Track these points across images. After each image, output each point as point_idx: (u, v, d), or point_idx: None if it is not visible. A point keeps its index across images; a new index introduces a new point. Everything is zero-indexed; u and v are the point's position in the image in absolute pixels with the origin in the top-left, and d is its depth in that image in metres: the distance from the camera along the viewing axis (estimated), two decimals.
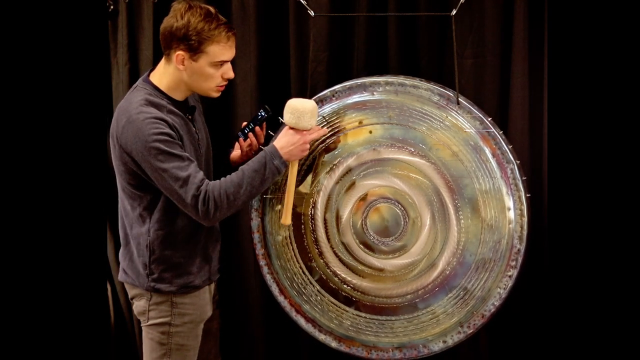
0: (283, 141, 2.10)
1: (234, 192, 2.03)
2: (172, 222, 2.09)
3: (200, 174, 2.03)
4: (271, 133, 2.32)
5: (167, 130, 2.01)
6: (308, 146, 2.13)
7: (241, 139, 2.28)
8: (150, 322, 2.16)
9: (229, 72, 2.08)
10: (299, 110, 2.10)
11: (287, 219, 2.17)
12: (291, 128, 2.12)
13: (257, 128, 2.27)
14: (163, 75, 2.10)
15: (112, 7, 2.75)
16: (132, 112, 2.01)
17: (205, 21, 2.00)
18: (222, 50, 2.04)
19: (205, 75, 2.06)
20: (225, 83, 2.11)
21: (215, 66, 2.05)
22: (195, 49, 2.01)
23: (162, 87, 2.09)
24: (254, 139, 2.27)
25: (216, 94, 2.12)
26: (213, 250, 2.22)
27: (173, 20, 2.02)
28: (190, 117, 2.15)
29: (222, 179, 2.06)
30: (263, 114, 2.26)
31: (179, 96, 2.12)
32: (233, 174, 2.07)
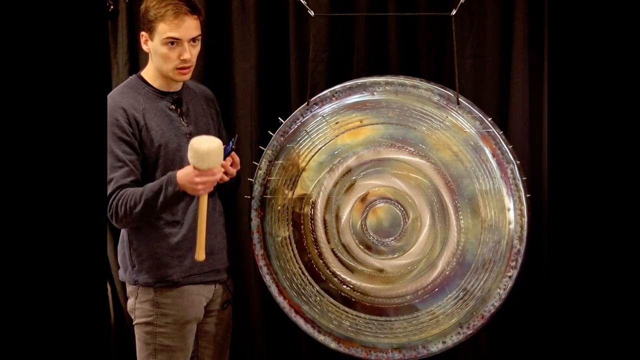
0: (182, 173, 2.04)
1: (132, 206, 2.05)
2: None
3: (124, 181, 2.06)
4: (270, 133, 2.32)
5: (122, 122, 2.08)
6: (199, 187, 2.02)
7: None
8: (136, 320, 2.20)
9: (183, 53, 2.10)
10: (195, 150, 1.99)
11: (200, 254, 2.08)
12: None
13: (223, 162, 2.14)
14: (148, 64, 2.20)
15: (112, 7, 2.75)
16: (108, 98, 2.14)
17: (157, 0, 2.09)
18: (169, 27, 2.07)
19: (162, 55, 2.11)
20: (184, 65, 2.12)
21: (166, 44, 2.09)
22: (149, 28, 2.11)
23: (146, 77, 2.19)
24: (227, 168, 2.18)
25: (179, 77, 2.14)
26: (195, 247, 2.19)
27: (141, 5, 2.14)
28: (178, 109, 2.17)
29: (133, 189, 2.07)
30: (230, 146, 2.17)
31: (161, 85, 2.18)
32: (138, 188, 2.08)
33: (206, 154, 1.98)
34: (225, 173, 2.15)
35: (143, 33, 2.14)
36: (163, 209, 2.09)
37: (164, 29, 2.08)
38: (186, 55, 2.10)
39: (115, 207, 2.07)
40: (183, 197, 2.06)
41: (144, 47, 2.15)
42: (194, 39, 2.12)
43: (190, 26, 2.10)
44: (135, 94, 2.15)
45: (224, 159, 2.14)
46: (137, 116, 2.11)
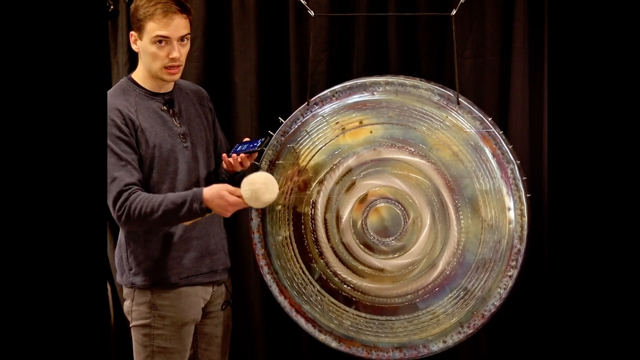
0: (211, 193, 2.07)
1: (147, 213, 2.05)
2: None
3: (130, 179, 2.06)
4: (270, 133, 2.32)
5: (119, 123, 2.08)
6: (229, 210, 2.09)
7: (225, 155, 2.22)
8: (134, 323, 2.18)
9: (172, 51, 2.11)
10: (258, 201, 2.08)
11: None
12: (234, 195, 2.07)
13: (243, 155, 2.20)
14: (138, 66, 2.20)
15: (112, 7, 2.75)
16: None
17: (147, 0, 2.10)
18: (158, 25, 2.08)
19: (150, 54, 2.12)
20: (173, 64, 2.12)
21: (155, 43, 2.10)
22: (139, 27, 2.12)
23: (137, 78, 2.19)
24: (235, 161, 2.21)
25: (168, 77, 2.14)
26: (195, 248, 2.19)
27: (131, 5, 2.15)
28: (170, 110, 2.17)
29: (149, 195, 2.07)
30: (257, 144, 2.19)
31: (152, 86, 2.18)
32: (157, 195, 2.08)
33: (266, 203, 2.11)
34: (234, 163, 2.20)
35: (132, 32, 2.14)
36: (179, 221, 2.11)
37: (152, 28, 2.08)
38: (175, 54, 2.10)
39: (127, 208, 2.05)
40: (204, 214, 2.08)
41: (134, 46, 2.15)
42: (182, 38, 2.12)
43: (179, 25, 2.10)
44: (127, 96, 2.15)
45: (247, 153, 2.18)
46: (132, 117, 2.11)
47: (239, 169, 2.22)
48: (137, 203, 2.05)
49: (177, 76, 2.16)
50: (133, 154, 2.09)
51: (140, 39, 2.12)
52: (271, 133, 2.25)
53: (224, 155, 2.21)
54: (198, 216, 2.10)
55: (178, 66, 2.13)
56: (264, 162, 2.30)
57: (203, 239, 2.20)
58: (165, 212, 2.05)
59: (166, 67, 2.12)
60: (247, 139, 2.27)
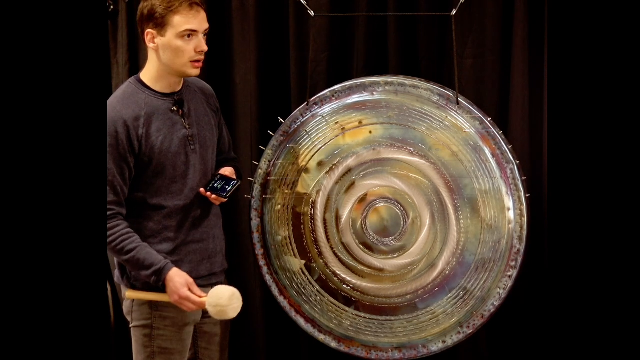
0: (174, 275, 2.06)
1: (114, 249, 2.06)
2: (138, 219, 2.11)
3: (109, 198, 2.04)
4: (270, 133, 2.32)
5: (120, 135, 2.05)
6: (184, 305, 2.07)
7: (202, 189, 2.17)
8: (134, 323, 2.18)
9: (201, 44, 2.09)
10: (222, 315, 2.08)
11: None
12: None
13: (214, 196, 2.16)
14: (147, 66, 2.15)
15: (112, 7, 2.75)
16: (108, 107, 2.09)
17: None
18: (186, 19, 2.06)
19: (175, 50, 2.08)
20: (200, 57, 2.11)
21: (182, 38, 2.07)
22: (160, 23, 2.06)
23: (145, 79, 2.14)
24: (209, 197, 2.18)
25: (193, 71, 2.12)
26: (195, 251, 2.18)
27: (141, 5, 2.10)
28: (179, 110, 2.16)
29: (125, 233, 2.05)
30: (228, 188, 2.15)
31: (162, 87, 2.14)
32: (135, 239, 2.06)
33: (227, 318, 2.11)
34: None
35: (149, 30, 2.08)
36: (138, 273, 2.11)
37: (180, 22, 2.05)
38: (205, 47, 2.09)
39: None
40: (155, 284, 2.08)
41: (151, 45, 2.09)
42: (205, 32, 2.11)
43: (204, 18, 2.10)
44: (136, 99, 2.11)
45: (223, 196, 2.14)
46: (137, 126, 2.07)
47: (215, 203, 2.20)
48: (111, 234, 2.04)
49: (198, 71, 2.14)
50: (125, 169, 2.07)
51: (162, 35, 2.07)
52: (239, 181, 2.20)
53: (201, 189, 2.16)
54: (153, 284, 2.09)
55: (202, 60, 2.12)
56: (263, 162, 2.30)
57: (204, 242, 2.19)
58: (129, 261, 2.06)
59: (192, 61, 2.09)
60: (227, 173, 2.20)
